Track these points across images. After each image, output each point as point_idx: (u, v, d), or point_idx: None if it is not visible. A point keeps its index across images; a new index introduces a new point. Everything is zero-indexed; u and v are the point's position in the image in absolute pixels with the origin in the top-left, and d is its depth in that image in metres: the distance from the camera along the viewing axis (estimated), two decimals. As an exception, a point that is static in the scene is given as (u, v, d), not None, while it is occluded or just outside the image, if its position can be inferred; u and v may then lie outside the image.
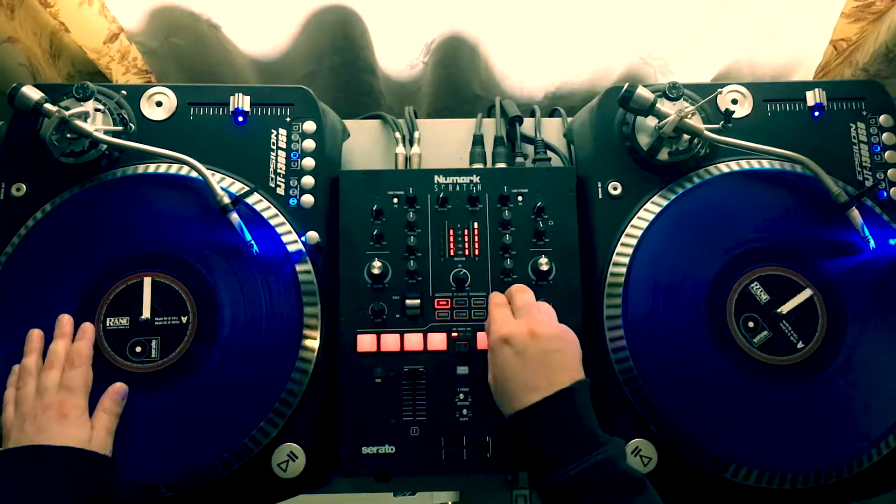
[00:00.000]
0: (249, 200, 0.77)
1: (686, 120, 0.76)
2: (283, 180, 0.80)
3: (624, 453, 0.63)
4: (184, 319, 0.74)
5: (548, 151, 0.91)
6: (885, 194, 0.82)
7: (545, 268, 0.76)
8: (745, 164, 0.81)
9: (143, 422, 0.71)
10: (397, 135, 0.91)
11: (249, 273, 0.75)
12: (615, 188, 0.81)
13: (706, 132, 0.76)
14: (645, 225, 0.78)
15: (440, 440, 0.73)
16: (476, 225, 0.79)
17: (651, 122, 0.79)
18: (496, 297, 0.73)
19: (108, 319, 0.74)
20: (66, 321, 0.73)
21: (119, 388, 0.71)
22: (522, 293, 0.71)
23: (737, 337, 0.75)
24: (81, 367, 0.70)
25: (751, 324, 0.75)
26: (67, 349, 0.72)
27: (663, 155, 0.80)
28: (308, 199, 0.80)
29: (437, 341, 0.75)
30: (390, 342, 0.75)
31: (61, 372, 0.70)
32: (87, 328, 0.73)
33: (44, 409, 0.67)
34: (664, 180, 0.81)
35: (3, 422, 0.69)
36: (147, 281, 0.74)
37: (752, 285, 0.76)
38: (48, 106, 0.74)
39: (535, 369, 0.64)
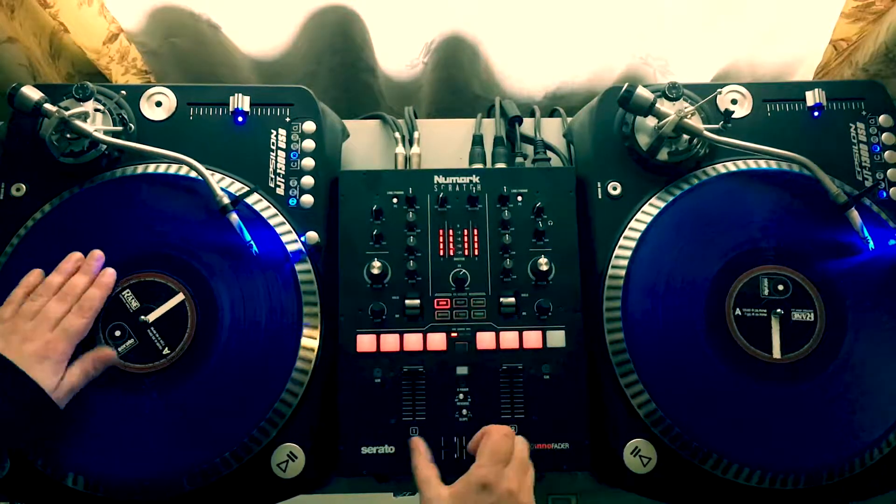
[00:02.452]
0: (249, 200, 0.77)
1: (686, 120, 0.76)
2: (283, 180, 0.80)
3: None
4: (183, 320, 0.74)
5: (547, 151, 0.91)
6: (885, 194, 0.81)
7: (545, 268, 0.76)
8: (744, 165, 0.81)
9: (143, 422, 0.71)
10: (397, 135, 0.91)
11: (249, 273, 0.75)
12: (615, 188, 0.81)
13: (706, 132, 0.76)
14: (644, 225, 0.78)
15: (440, 440, 0.73)
16: (476, 225, 0.79)
17: (651, 122, 0.79)
18: (504, 431, 0.67)
19: (119, 295, 0.74)
20: (97, 257, 0.74)
21: (108, 355, 0.71)
22: (526, 445, 0.68)
23: (736, 336, 0.74)
24: (86, 318, 0.70)
25: (751, 326, 0.75)
26: (86, 288, 0.72)
27: (663, 155, 0.80)
28: (308, 200, 0.80)
29: (437, 341, 0.75)
30: (390, 342, 0.75)
31: (68, 309, 0.70)
32: (109, 275, 0.73)
33: (32, 338, 0.67)
34: (664, 180, 0.81)
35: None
36: (178, 298, 0.74)
37: (750, 285, 0.76)
38: (48, 106, 0.74)
39: None
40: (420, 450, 0.70)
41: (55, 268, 0.73)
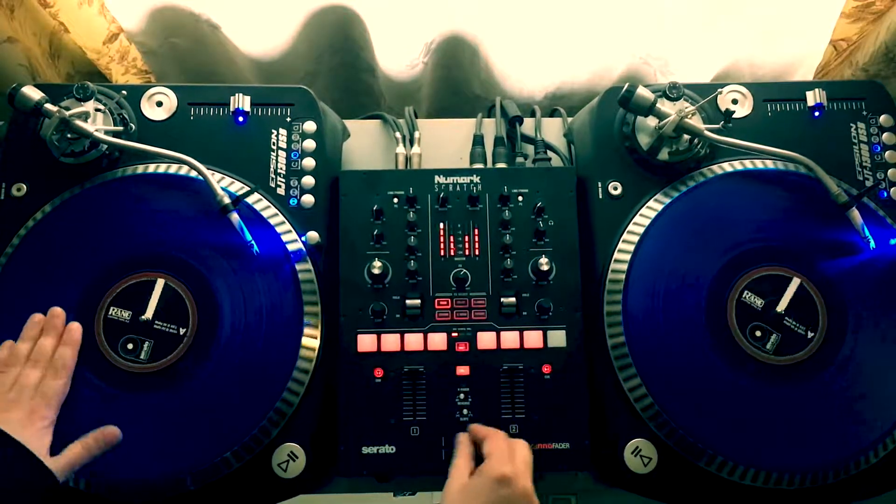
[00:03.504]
0: (250, 200, 0.77)
1: (686, 120, 0.76)
2: (284, 180, 0.80)
3: None
4: (184, 319, 0.74)
5: (548, 151, 0.91)
6: (886, 194, 0.82)
7: (545, 268, 0.76)
8: (745, 165, 0.81)
9: (144, 422, 0.71)
10: (397, 135, 0.91)
11: (249, 273, 0.75)
12: (615, 188, 0.81)
13: (706, 132, 0.77)
14: (645, 225, 0.78)
15: (440, 440, 0.73)
16: (476, 225, 0.79)
17: (651, 122, 0.79)
18: (499, 432, 0.69)
19: (109, 312, 0.74)
20: (58, 314, 0.73)
21: (111, 433, 0.70)
22: (530, 451, 0.67)
23: (737, 336, 0.75)
24: (62, 379, 0.70)
25: (757, 331, 0.75)
26: (55, 348, 0.71)
27: (663, 155, 0.80)
28: (308, 199, 0.80)
29: (438, 341, 0.75)
30: (390, 342, 0.75)
31: (43, 373, 0.70)
32: (75, 331, 0.73)
33: (15, 406, 0.67)
34: (664, 180, 0.81)
35: None
36: (160, 283, 0.74)
37: (751, 285, 0.76)
38: (48, 106, 0.74)
39: None
40: (465, 444, 0.69)
41: (20, 336, 0.72)
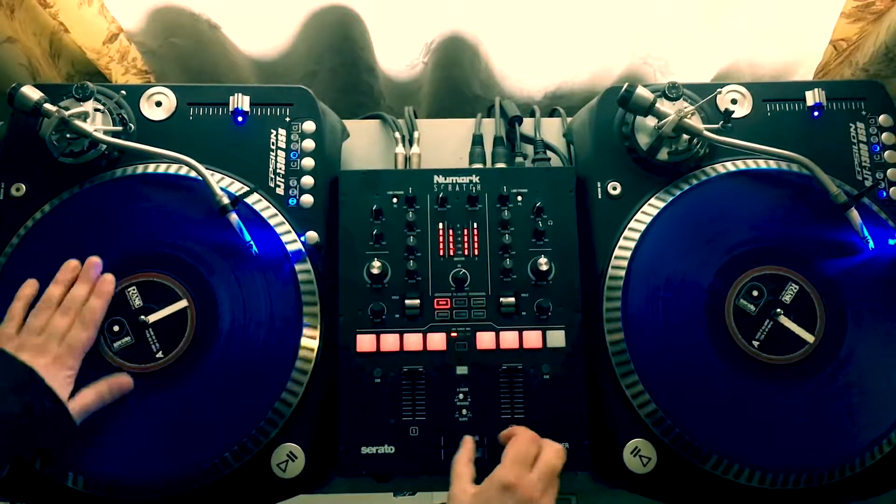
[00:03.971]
0: (249, 200, 0.77)
1: (685, 120, 0.76)
2: (283, 180, 0.80)
3: None
4: (183, 320, 0.74)
5: (547, 151, 0.91)
6: (885, 194, 0.81)
7: (545, 268, 0.76)
8: (744, 165, 0.81)
9: (143, 421, 0.71)
10: (397, 135, 0.91)
11: (249, 273, 0.75)
12: (615, 188, 0.81)
13: (706, 132, 0.77)
14: (644, 225, 0.78)
15: (440, 440, 0.73)
16: (475, 225, 0.79)
17: (651, 122, 0.79)
18: (531, 436, 0.67)
19: (105, 321, 0.74)
20: (94, 264, 0.74)
21: (124, 381, 0.71)
22: (559, 458, 0.65)
23: (736, 337, 0.74)
24: (89, 330, 0.71)
25: (757, 332, 0.75)
26: (87, 298, 0.72)
27: (663, 155, 0.80)
28: (307, 199, 0.80)
29: (437, 341, 0.75)
30: (390, 342, 0.75)
31: (72, 322, 0.70)
32: (108, 283, 0.73)
33: (43, 352, 0.68)
34: (664, 180, 0.81)
35: (1, 330, 0.70)
36: (181, 304, 0.74)
37: (750, 285, 0.76)
38: (48, 106, 0.74)
39: None
40: (466, 447, 0.70)
41: (53, 279, 0.73)
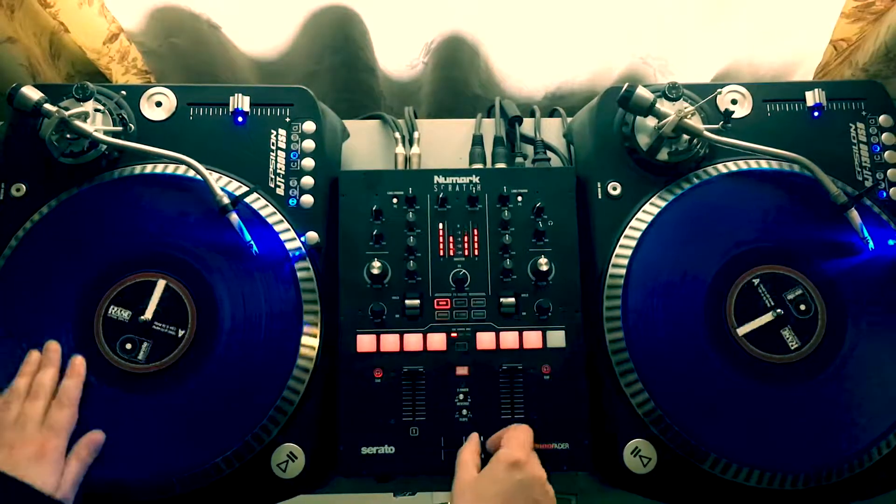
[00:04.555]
0: (249, 201, 0.77)
1: (686, 120, 0.76)
2: (283, 180, 0.80)
3: None
4: (183, 320, 0.74)
5: (547, 152, 0.91)
6: (885, 194, 0.81)
7: (545, 268, 0.76)
8: (744, 165, 0.81)
9: (143, 422, 0.71)
10: (397, 135, 0.91)
11: (249, 273, 0.75)
12: (615, 188, 0.81)
13: (706, 132, 0.76)
14: (644, 225, 0.78)
15: (440, 440, 0.73)
16: (476, 225, 0.79)
17: (651, 122, 0.79)
18: (525, 427, 0.70)
19: (109, 312, 0.74)
20: (54, 349, 0.72)
21: (96, 438, 0.70)
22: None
23: (736, 337, 0.74)
24: (68, 409, 0.69)
25: (755, 332, 0.75)
26: (55, 380, 0.71)
27: (663, 155, 0.80)
28: (308, 200, 0.80)
29: (437, 341, 0.75)
30: (390, 342, 0.75)
31: (46, 405, 0.69)
32: (78, 364, 0.72)
33: (23, 443, 0.66)
34: (664, 180, 0.81)
35: None
36: (161, 283, 0.74)
37: (750, 286, 0.76)
38: (48, 106, 0.74)
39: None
40: (472, 440, 0.71)
41: (18, 372, 0.71)
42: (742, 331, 0.75)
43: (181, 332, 0.74)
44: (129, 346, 0.73)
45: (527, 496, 0.62)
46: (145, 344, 0.73)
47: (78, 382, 0.71)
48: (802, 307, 0.75)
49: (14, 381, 0.70)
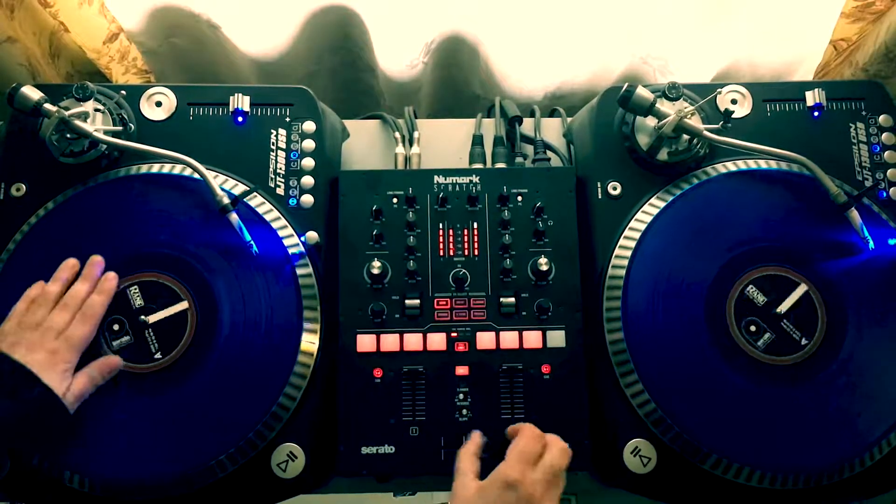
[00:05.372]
0: (249, 200, 0.77)
1: (685, 120, 0.76)
2: (283, 180, 0.80)
3: None
4: (183, 319, 0.74)
5: (547, 151, 0.91)
6: (885, 194, 0.81)
7: (545, 268, 0.76)
8: (744, 165, 0.81)
9: (143, 421, 0.71)
10: (397, 135, 0.91)
11: (249, 273, 0.75)
12: (615, 188, 0.81)
13: (705, 132, 0.76)
14: (644, 225, 0.78)
15: (440, 440, 0.73)
16: (476, 225, 0.79)
17: (651, 122, 0.79)
18: (536, 433, 0.67)
19: (107, 316, 0.74)
20: (97, 262, 0.74)
21: (114, 362, 0.71)
22: (563, 457, 0.65)
23: (736, 337, 0.75)
24: (89, 326, 0.71)
25: (752, 327, 0.75)
26: (87, 295, 0.72)
27: (663, 155, 0.80)
28: (308, 200, 0.80)
29: (437, 341, 0.75)
30: (390, 342, 0.75)
31: (71, 318, 0.70)
32: (111, 280, 0.74)
33: (39, 347, 0.68)
34: (664, 180, 0.81)
35: (3, 326, 0.70)
36: (182, 305, 0.74)
37: (751, 286, 0.76)
38: (48, 106, 0.74)
39: None
40: (473, 441, 0.69)
41: (52, 276, 0.73)
42: (742, 332, 0.75)
43: (181, 331, 0.74)
44: (116, 326, 0.73)
45: None
46: (126, 338, 0.73)
47: (105, 300, 0.73)
48: (802, 307, 0.75)
49: (47, 286, 0.72)
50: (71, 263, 0.74)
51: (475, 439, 0.70)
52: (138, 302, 0.74)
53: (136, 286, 0.75)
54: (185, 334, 0.74)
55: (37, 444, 0.70)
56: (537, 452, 0.64)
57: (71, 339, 0.69)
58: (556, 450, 0.65)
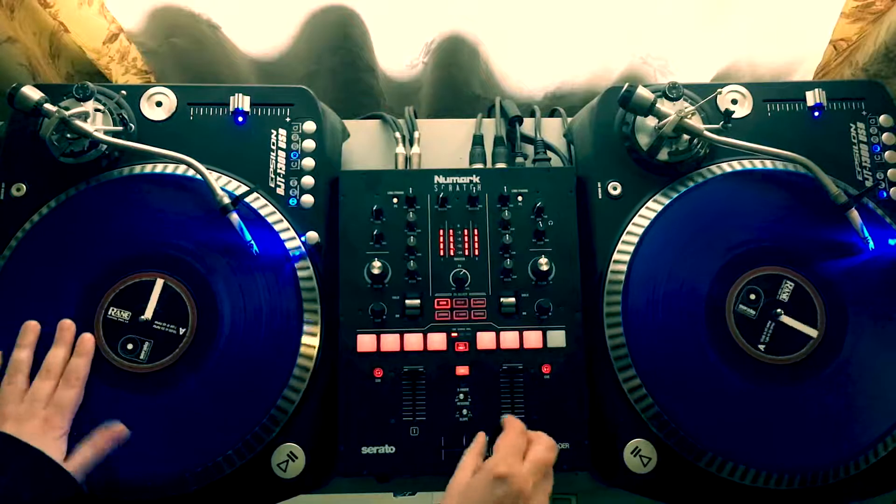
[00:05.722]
0: (249, 200, 0.77)
1: (686, 120, 0.76)
2: (283, 180, 0.80)
3: None
4: (183, 319, 0.74)
5: (548, 151, 0.91)
6: (885, 194, 0.82)
7: (545, 268, 0.76)
8: (744, 165, 0.81)
9: (143, 421, 0.71)
10: (397, 135, 0.91)
11: (249, 273, 0.75)
12: (615, 188, 0.81)
13: (706, 132, 0.77)
14: (645, 225, 0.78)
15: (440, 440, 0.73)
16: (476, 225, 0.79)
17: (651, 122, 0.79)
18: (520, 428, 0.67)
19: (109, 313, 0.74)
20: (67, 327, 0.72)
21: (119, 432, 0.69)
22: (550, 451, 0.65)
23: (736, 336, 0.75)
24: (75, 389, 0.70)
25: (751, 327, 0.75)
26: (65, 360, 0.71)
27: (663, 155, 0.80)
28: (308, 199, 0.80)
29: (437, 341, 0.75)
30: (390, 342, 0.75)
31: (55, 384, 0.69)
32: (87, 342, 0.72)
33: (28, 417, 0.66)
34: (664, 180, 0.81)
35: None
36: (159, 283, 0.74)
37: (751, 286, 0.76)
38: (48, 106, 0.74)
39: None
40: (478, 441, 0.69)
41: (16, 344, 0.71)
42: (742, 332, 0.75)
43: (182, 331, 0.74)
44: (129, 346, 0.73)
45: None
46: (146, 344, 0.73)
47: (86, 361, 0.71)
48: (802, 307, 0.75)
49: (13, 354, 0.70)
50: (31, 328, 0.72)
51: (480, 440, 0.70)
52: (125, 315, 0.74)
53: (112, 307, 0.74)
54: (185, 334, 0.74)
55: None
56: (523, 446, 0.64)
57: (60, 405, 0.68)
58: (543, 445, 0.65)
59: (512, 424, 0.68)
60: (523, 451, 0.64)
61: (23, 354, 0.71)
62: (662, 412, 0.72)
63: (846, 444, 0.72)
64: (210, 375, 0.73)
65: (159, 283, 0.74)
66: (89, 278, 0.75)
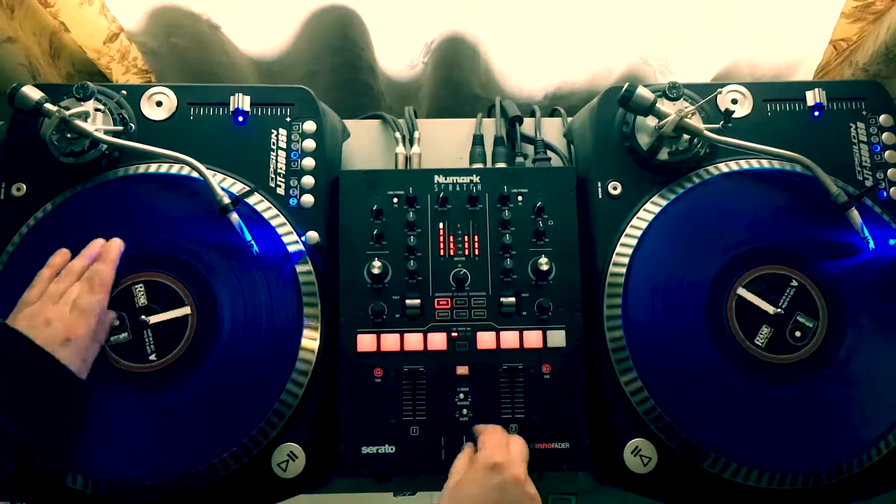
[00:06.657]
0: (249, 200, 0.77)
1: (686, 120, 0.76)
2: (283, 180, 0.80)
3: None
4: (183, 319, 0.74)
5: (548, 151, 0.91)
6: (885, 194, 0.82)
7: (545, 268, 0.76)
8: (744, 164, 0.81)
9: (144, 421, 0.71)
10: (397, 135, 0.91)
11: (249, 273, 0.75)
12: (615, 188, 0.81)
13: (706, 132, 0.77)
14: (645, 225, 0.78)
15: (440, 440, 0.73)
16: (476, 225, 0.79)
17: (651, 121, 0.79)
18: (495, 426, 0.72)
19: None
20: (100, 243, 0.74)
21: (111, 317, 0.72)
22: (525, 446, 0.69)
23: (736, 336, 0.75)
24: (100, 295, 0.71)
25: (752, 327, 0.75)
26: (86, 268, 0.73)
27: (663, 155, 0.80)
28: (308, 199, 0.80)
29: (437, 341, 0.75)
30: (390, 342, 0.75)
31: (89, 290, 0.70)
32: (114, 249, 0.74)
33: (57, 321, 0.67)
34: (664, 180, 0.81)
35: (25, 295, 0.70)
36: (140, 287, 0.75)
37: (751, 285, 0.76)
38: (48, 106, 0.74)
39: None
40: (465, 451, 0.70)
41: (80, 252, 0.73)
42: (743, 331, 0.75)
43: (181, 332, 0.74)
44: (129, 346, 0.73)
45: (505, 498, 0.62)
46: (124, 335, 0.73)
47: (111, 268, 0.72)
48: (802, 307, 0.75)
49: (73, 260, 0.73)
50: (100, 243, 0.74)
51: (468, 448, 0.71)
52: (142, 301, 0.74)
53: (141, 284, 0.75)
54: (185, 334, 0.74)
55: (51, 422, 0.68)
56: (506, 441, 0.68)
57: (85, 309, 0.69)
58: (520, 440, 0.69)
59: (487, 427, 0.71)
60: (507, 444, 0.68)
61: (79, 264, 0.72)
62: (662, 412, 0.72)
63: (846, 444, 0.72)
64: (210, 375, 0.73)
65: (185, 310, 0.74)
66: (89, 278, 0.75)
